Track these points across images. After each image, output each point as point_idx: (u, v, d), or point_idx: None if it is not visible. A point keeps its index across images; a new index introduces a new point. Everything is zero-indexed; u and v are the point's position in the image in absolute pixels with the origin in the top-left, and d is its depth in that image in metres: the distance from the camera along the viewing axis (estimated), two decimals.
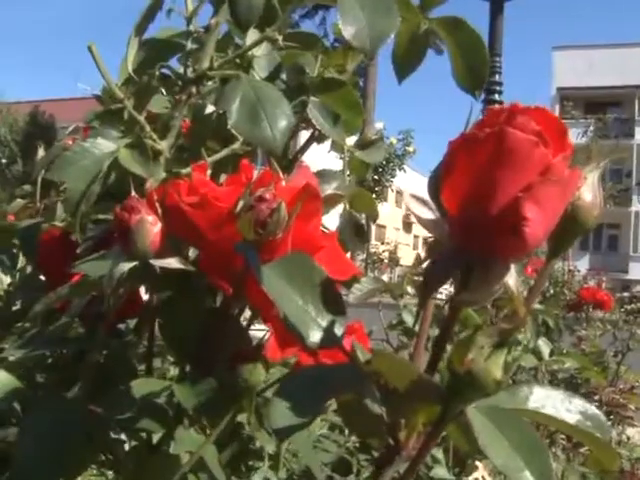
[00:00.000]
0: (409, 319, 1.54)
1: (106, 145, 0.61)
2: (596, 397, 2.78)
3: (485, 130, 0.33)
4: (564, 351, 3.13)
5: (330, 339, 0.42)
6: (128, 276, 0.51)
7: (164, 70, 0.76)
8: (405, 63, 0.88)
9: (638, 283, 19.36)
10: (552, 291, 4.05)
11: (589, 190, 0.39)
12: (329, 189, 0.76)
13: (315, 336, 0.41)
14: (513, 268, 0.36)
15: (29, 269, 1.03)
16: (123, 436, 0.67)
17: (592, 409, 0.44)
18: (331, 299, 0.43)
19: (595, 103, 25.94)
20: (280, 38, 0.65)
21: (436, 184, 0.36)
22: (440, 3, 0.85)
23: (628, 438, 3.00)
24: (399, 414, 0.39)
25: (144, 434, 0.61)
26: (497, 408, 0.40)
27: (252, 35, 0.69)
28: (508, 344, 0.34)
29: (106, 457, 0.67)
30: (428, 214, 0.37)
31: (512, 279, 0.36)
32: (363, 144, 0.89)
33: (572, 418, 0.43)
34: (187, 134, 0.78)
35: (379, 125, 17.23)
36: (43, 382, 0.77)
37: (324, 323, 0.42)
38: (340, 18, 0.66)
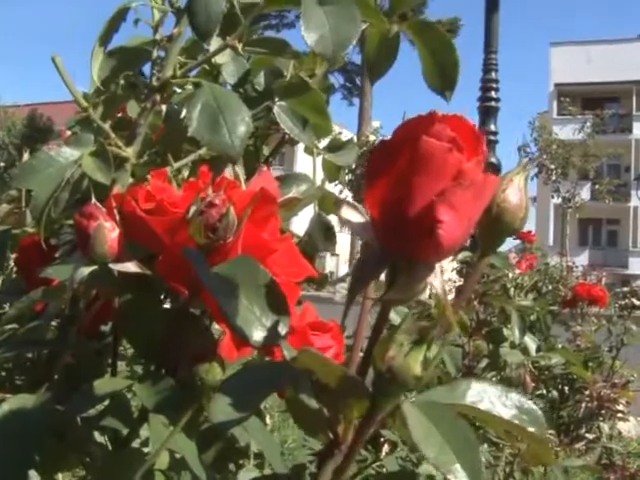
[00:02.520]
0: (394, 317, 1.55)
1: (70, 153, 0.63)
2: (587, 392, 2.80)
3: (402, 137, 0.35)
4: (559, 346, 3.15)
5: (273, 338, 0.44)
6: (89, 279, 0.53)
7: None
8: (377, 65, 0.90)
9: (638, 278, 19.38)
10: (550, 287, 4.07)
11: (515, 192, 0.41)
12: (297, 192, 0.78)
13: (258, 335, 0.43)
14: (438, 268, 0.38)
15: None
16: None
17: (528, 404, 0.45)
18: (275, 300, 0.45)
19: (593, 99, 25.95)
20: (240, 46, 0.67)
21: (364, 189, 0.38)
22: (407, 7, 0.87)
23: (619, 432, 3.02)
24: (334, 409, 0.41)
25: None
26: (433, 403, 0.42)
27: (216, 42, 0.71)
28: (427, 341, 0.36)
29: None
30: (358, 218, 0.39)
31: (436, 279, 0.38)
32: (334, 147, 0.91)
33: (508, 413, 0.44)
34: (160, 139, 0.79)
35: (376, 124, 17.25)
36: (21, 384, 0.79)
37: (268, 323, 0.44)
38: (303, 24, 0.67)
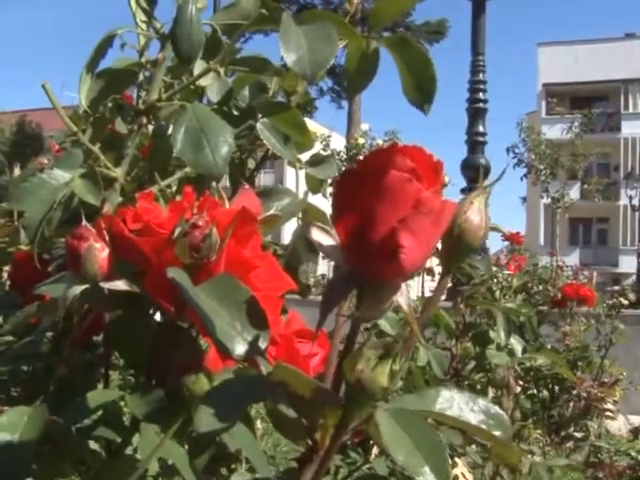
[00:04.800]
0: (382, 322, 1.58)
1: (62, 175, 0.66)
2: (575, 391, 2.84)
3: (366, 168, 0.38)
4: (548, 346, 3.19)
5: (254, 351, 0.47)
6: (80, 297, 0.56)
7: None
8: (356, 80, 0.92)
9: (629, 276, 19.45)
10: (539, 287, 4.10)
11: (475, 213, 0.44)
12: (279, 206, 0.81)
13: (240, 349, 0.47)
14: (404, 287, 0.41)
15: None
16: None
17: (495, 409, 0.49)
18: (256, 315, 0.48)
19: (581, 98, 26.05)
20: (222, 70, 0.70)
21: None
22: (386, 24, 0.90)
23: (607, 431, 3.06)
24: (311, 418, 0.44)
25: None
26: (404, 410, 0.45)
27: (200, 65, 0.74)
28: (392, 355, 0.39)
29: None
30: (328, 241, 0.42)
31: (402, 297, 0.41)
32: (315, 161, 0.94)
33: (475, 418, 0.47)
34: (148, 157, 0.82)
35: (365, 126, 17.28)
36: (16, 395, 0.82)
37: (249, 337, 0.47)
38: (282, 45, 0.70)
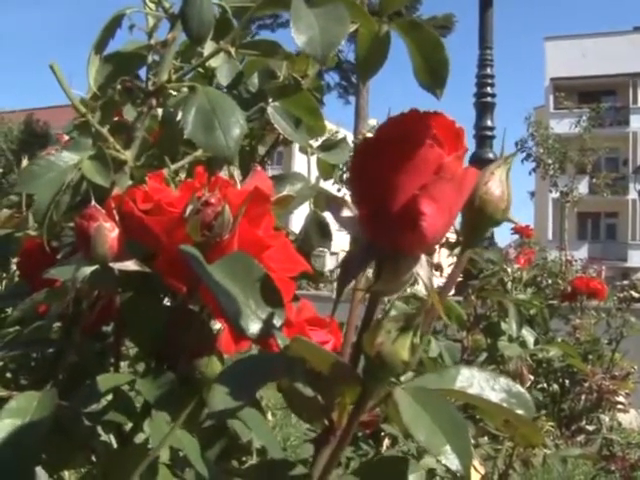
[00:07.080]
0: (393, 312, 1.57)
1: (70, 157, 0.65)
2: (586, 384, 2.83)
3: (384, 135, 0.37)
4: (559, 339, 3.17)
5: (268, 330, 0.46)
6: (90, 279, 0.55)
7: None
8: (368, 65, 0.91)
9: (638, 270, 19.38)
10: (549, 281, 4.09)
11: (497, 185, 0.43)
12: (291, 191, 0.80)
13: (255, 327, 0.45)
14: (424, 260, 0.40)
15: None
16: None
17: (516, 387, 0.47)
18: (270, 293, 0.47)
19: (589, 92, 25.97)
20: (233, 50, 0.68)
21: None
22: (397, 7, 0.88)
23: (619, 424, 3.04)
24: (328, 396, 0.43)
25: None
26: (423, 389, 0.44)
27: (210, 46, 0.73)
28: (413, 328, 0.38)
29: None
30: (346, 213, 0.41)
31: (423, 270, 0.40)
32: (327, 146, 0.92)
33: (496, 397, 0.46)
34: (157, 142, 0.81)
35: (372, 122, 17.24)
36: (26, 384, 0.81)
37: (263, 315, 0.46)
38: (293, 26, 0.69)
